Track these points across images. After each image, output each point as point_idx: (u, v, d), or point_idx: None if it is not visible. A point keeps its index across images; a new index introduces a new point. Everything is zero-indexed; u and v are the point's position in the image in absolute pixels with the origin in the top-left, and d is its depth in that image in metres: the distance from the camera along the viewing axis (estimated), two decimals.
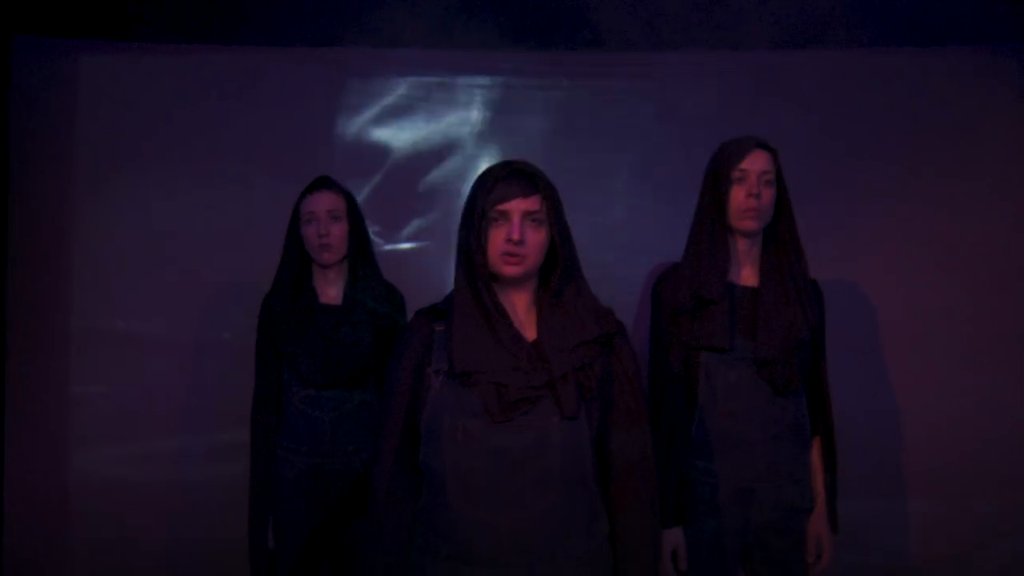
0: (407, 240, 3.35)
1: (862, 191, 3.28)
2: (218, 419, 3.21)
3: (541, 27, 3.32)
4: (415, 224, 3.36)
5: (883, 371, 3.29)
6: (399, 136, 3.36)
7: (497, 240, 1.86)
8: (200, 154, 3.30)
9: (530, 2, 3.33)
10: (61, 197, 3.30)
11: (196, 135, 3.30)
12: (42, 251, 3.30)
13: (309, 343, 2.69)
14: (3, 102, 3.27)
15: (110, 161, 3.30)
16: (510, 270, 1.87)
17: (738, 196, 2.42)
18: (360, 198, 2.82)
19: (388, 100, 3.37)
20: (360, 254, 2.79)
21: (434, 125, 3.37)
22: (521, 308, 1.93)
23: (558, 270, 1.91)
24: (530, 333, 1.91)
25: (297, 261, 2.76)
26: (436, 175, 3.37)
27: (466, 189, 1.93)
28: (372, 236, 2.93)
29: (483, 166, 1.96)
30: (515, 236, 1.84)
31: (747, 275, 2.49)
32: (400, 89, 3.37)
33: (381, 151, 3.36)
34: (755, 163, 2.41)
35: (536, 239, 1.88)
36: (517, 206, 1.86)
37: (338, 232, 2.72)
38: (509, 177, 1.87)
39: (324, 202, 2.71)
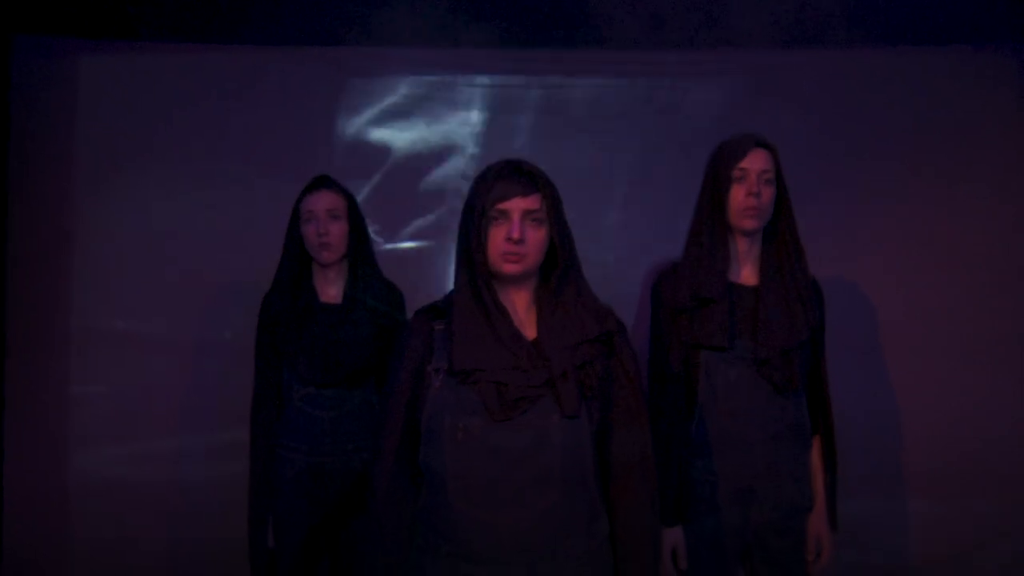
0: (407, 239, 3.35)
1: (862, 191, 3.28)
2: (218, 418, 3.21)
3: (541, 26, 3.32)
4: (415, 223, 3.36)
5: (883, 371, 3.29)
6: (399, 135, 3.37)
7: (497, 239, 1.86)
8: (200, 154, 3.31)
9: (530, 1, 3.33)
10: (61, 197, 3.30)
11: (196, 135, 3.31)
12: (42, 251, 3.30)
13: (309, 342, 2.69)
14: (3, 102, 3.27)
15: (110, 161, 3.30)
16: (510, 268, 1.87)
17: (738, 195, 2.42)
18: (360, 197, 2.82)
19: (388, 99, 3.37)
20: (360, 253, 2.79)
21: (434, 124, 3.38)
22: (521, 307, 1.93)
23: (558, 269, 1.91)
24: (530, 332, 1.91)
25: (297, 260, 2.76)
26: (436, 174, 3.37)
27: (466, 188, 1.93)
28: (372, 235, 2.93)
29: (483, 165, 1.96)
30: (515, 235, 1.84)
31: (747, 274, 2.49)
32: (400, 88, 3.38)
33: (381, 150, 3.36)
34: (755, 162, 2.41)
35: (536, 238, 1.88)
36: (517, 205, 1.86)
37: (338, 231, 2.72)
38: (509, 176, 1.88)
39: (324, 201, 2.71)
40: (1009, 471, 3.26)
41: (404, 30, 3.29)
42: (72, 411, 3.31)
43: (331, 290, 2.78)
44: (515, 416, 1.83)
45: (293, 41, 3.34)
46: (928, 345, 3.27)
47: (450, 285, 1.95)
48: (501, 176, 1.88)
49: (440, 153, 3.37)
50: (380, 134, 3.36)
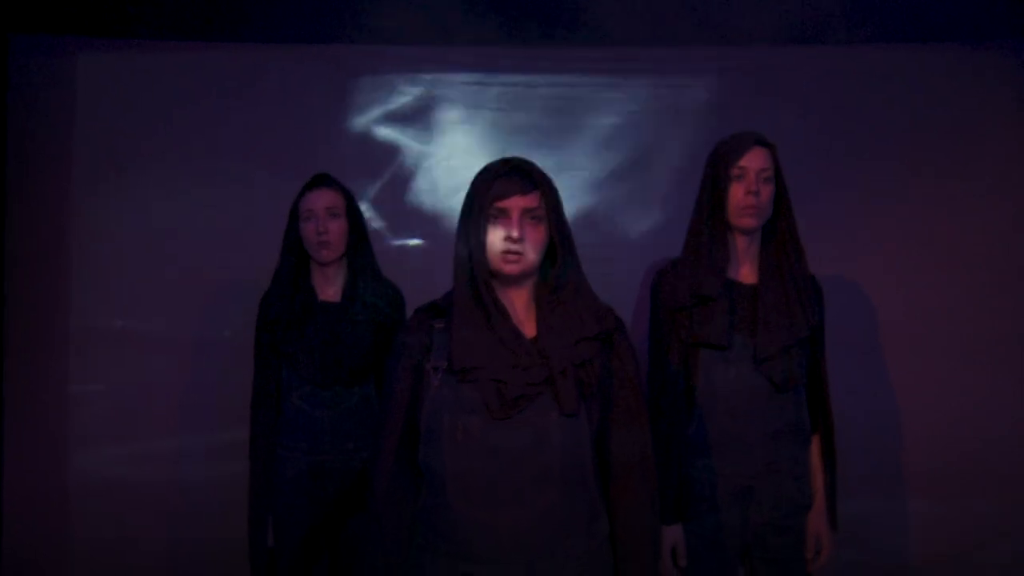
0: (407, 238, 3.34)
1: (861, 189, 3.28)
2: (218, 418, 3.21)
3: (540, 23, 3.32)
4: (415, 221, 3.36)
5: (883, 371, 3.29)
6: (399, 133, 3.36)
7: (496, 238, 1.86)
8: (199, 153, 3.31)
9: None
10: (60, 196, 3.30)
11: (195, 133, 3.31)
12: (41, 250, 3.30)
13: (308, 341, 2.69)
14: (1, 101, 3.27)
15: (109, 160, 3.30)
16: (510, 268, 1.87)
17: (737, 193, 2.41)
18: (360, 195, 2.81)
19: (388, 97, 3.37)
20: (359, 251, 2.78)
21: (433, 122, 3.38)
22: (520, 305, 1.93)
23: (557, 267, 1.91)
24: (529, 330, 1.90)
25: (296, 259, 2.76)
26: (436, 172, 3.37)
27: (466, 186, 1.93)
28: (383, 231, 2.92)
29: (482, 163, 1.95)
30: (514, 234, 1.84)
31: (746, 272, 2.49)
32: (400, 86, 3.38)
33: (381, 148, 3.36)
34: (754, 160, 2.40)
35: (535, 236, 1.88)
36: (516, 203, 1.86)
37: (337, 229, 2.72)
38: (508, 174, 1.88)
39: (323, 199, 2.71)
40: (1009, 471, 3.26)
41: (404, 27, 3.29)
42: (71, 411, 3.31)
43: (330, 289, 2.77)
44: (514, 414, 1.82)
45: (292, 39, 3.34)
46: (928, 345, 3.27)
47: (450, 284, 1.95)
48: (500, 174, 1.88)
49: (440, 150, 3.37)
50: (379, 132, 3.36)
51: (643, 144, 3.34)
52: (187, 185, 3.30)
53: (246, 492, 2.73)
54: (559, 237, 1.90)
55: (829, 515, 2.53)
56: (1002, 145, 3.28)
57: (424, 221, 3.35)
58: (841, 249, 3.18)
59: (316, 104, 3.33)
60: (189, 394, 3.30)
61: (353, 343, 2.71)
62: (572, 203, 2.01)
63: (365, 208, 2.83)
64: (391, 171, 3.35)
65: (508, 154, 1.97)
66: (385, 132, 3.36)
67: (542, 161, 1.96)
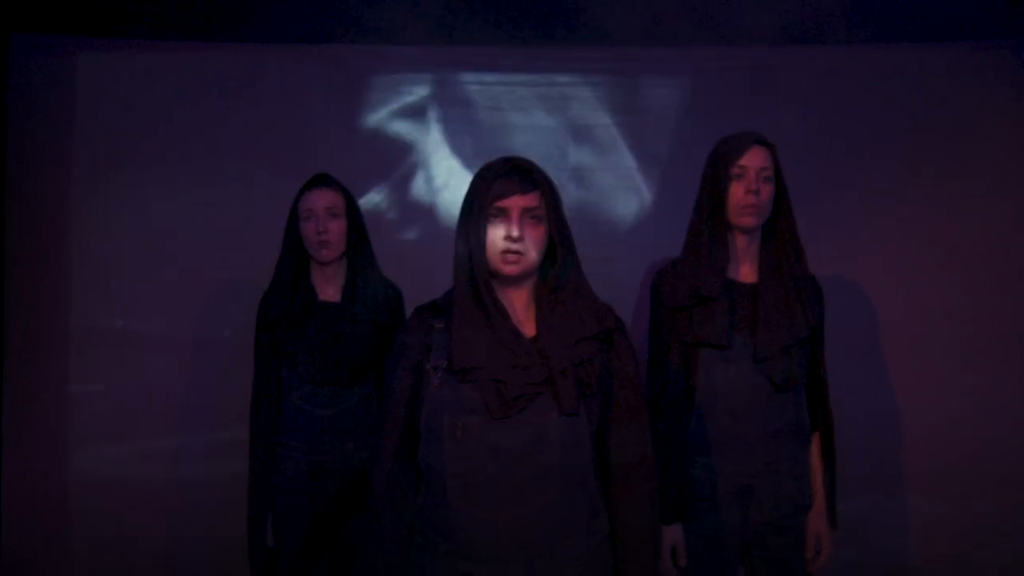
0: (407, 237, 3.34)
1: (861, 189, 3.28)
2: (217, 417, 3.21)
3: (540, 23, 3.32)
4: (414, 221, 3.36)
5: (883, 371, 3.29)
6: (399, 133, 3.36)
7: (496, 237, 1.86)
8: (199, 152, 3.31)
9: None
10: (60, 196, 3.30)
11: (195, 133, 3.31)
12: (41, 250, 3.30)
13: (308, 340, 2.69)
14: (1, 100, 3.26)
15: (109, 160, 3.30)
16: (509, 269, 1.87)
17: (737, 192, 2.41)
18: (359, 195, 2.81)
19: (388, 97, 3.37)
20: (359, 251, 2.78)
21: (433, 121, 3.37)
22: (520, 305, 1.93)
23: (557, 267, 1.91)
24: (529, 330, 1.90)
25: (296, 258, 2.75)
26: (436, 171, 3.37)
27: (465, 185, 1.93)
28: (371, 233, 2.92)
29: (482, 162, 1.95)
30: (514, 233, 1.84)
31: (746, 272, 2.49)
32: (400, 86, 3.38)
33: (381, 148, 3.36)
34: (754, 159, 2.41)
35: (535, 236, 1.88)
36: (516, 203, 1.86)
37: (336, 229, 2.72)
38: (507, 174, 1.88)
39: (323, 199, 2.71)
40: (1009, 471, 3.26)
41: (403, 27, 3.30)
42: (71, 410, 3.31)
43: (330, 288, 2.77)
44: (514, 414, 1.82)
45: (292, 39, 3.34)
46: (928, 345, 3.26)
47: (450, 284, 1.94)
48: (500, 174, 1.88)
49: (439, 149, 3.37)
50: (379, 132, 3.36)
51: (643, 144, 3.33)
52: (187, 185, 3.30)
53: (246, 491, 2.73)
54: (559, 237, 1.90)
55: (829, 515, 2.53)
56: (1002, 145, 3.28)
57: (424, 220, 3.35)
58: (841, 249, 3.19)
59: (316, 104, 3.33)
60: (189, 394, 3.30)
61: (353, 343, 2.71)
62: (572, 203, 2.00)
63: (365, 208, 2.82)
64: (391, 171, 3.35)
65: (508, 154, 1.96)
66: (385, 132, 3.36)
67: (541, 161, 1.96)
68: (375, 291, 2.78)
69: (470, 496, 1.83)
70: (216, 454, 3.22)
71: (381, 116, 3.37)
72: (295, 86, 3.33)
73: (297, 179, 2.79)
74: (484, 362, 1.84)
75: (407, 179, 3.36)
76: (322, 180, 2.76)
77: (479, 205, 1.87)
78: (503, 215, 1.86)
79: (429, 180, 3.37)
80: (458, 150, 3.36)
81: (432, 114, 3.38)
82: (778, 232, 2.48)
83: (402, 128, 3.37)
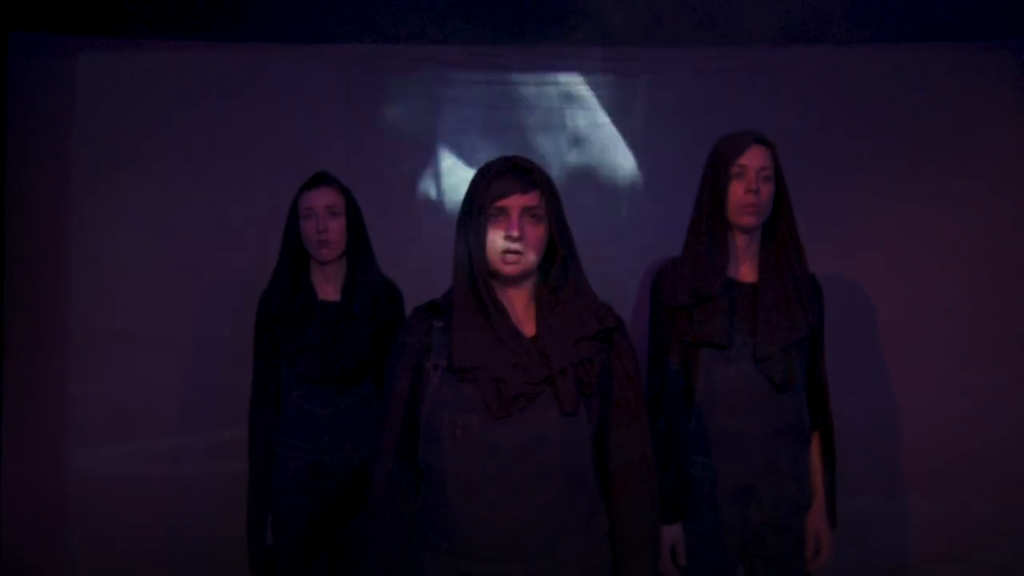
0: (407, 237, 3.34)
1: (861, 189, 3.28)
2: (217, 417, 3.21)
3: (540, 23, 3.32)
4: (414, 220, 3.36)
5: (883, 370, 3.29)
6: (398, 132, 3.36)
7: (496, 237, 1.86)
8: (199, 152, 3.31)
9: None
10: (59, 195, 3.30)
11: (195, 133, 3.31)
12: (40, 250, 3.30)
13: (307, 340, 2.69)
14: (0, 99, 3.26)
15: (108, 159, 3.30)
16: (509, 269, 1.87)
17: (737, 192, 2.41)
18: (359, 194, 2.81)
19: (388, 96, 3.37)
20: (358, 250, 2.78)
21: (433, 121, 3.37)
22: (520, 304, 1.93)
23: (557, 266, 1.91)
24: (529, 329, 1.90)
25: (295, 258, 2.75)
26: (436, 171, 3.37)
27: (465, 185, 1.93)
28: (371, 232, 2.92)
29: (481, 162, 1.95)
30: (514, 232, 1.84)
31: (746, 271, 2.49)
32: (400, 85, 3.38)
33: (380, 148, 3.35)
34: (754, 159, 2.40)
35: (535, 235, 1.88)
36: (516, 202, 1.86)
37: (336, 228, 2.72)
38: (507, 173, 1.88)
39: (322, 198, 2.71)
40: (1009, 471, 3.26)
41: (403, 26, 3.30)
42: (71, 410, 3.30)
43: (329, 287, 2.77)
44: (514, 413, 1.82)
45: (292, 39, 3.34)
46: (928, 345, 3.26)
47: (449, 283, 1.94)
48: (500, 173, 1.88)
49: (439, 148, 3.37)
50: (379, 132, 3.36)
51: (643, 143, 3.33)
52: (186, 184, 3.30)
53: (245, 491, 2.73)
54: (559, 236, 1.90)
55: (829, 514, 2.52)
56: (1003, 145, 3.28)
57: (424, 220, 3.35)
58: (841, 248, 3.19)
59: (316, 104, 3.33)
60: (189, 394, 3.30)
61: (352, 342, 2.71)
62: (571, 202, 2.00)
63: (364, 207, 2.82)
64: (390, 170, 3.35)
65: (508, 153, 1.96)
66: (385, 131, 3.36)
67: (541, 160, 1.96)
68: (375, 290, 2.77)
69: (470, 495, 1.82)
70: (216, 454, 3.22)
71: (381, 115, 3.36)
72: (295, 86, 3.32)
73: (297, 178, 2.79)
74: (484, 361, 1.84)
75: (407, 178, 3.36)
76: (322, 179, 2.76)
77: (479, 204, 1.86)
78: (503, 214, 1.86)
79: (429, 179, 3.37)
80: (458, 149, 3.36)
81: (432, 113, 3.37)
82: (778, 231, 2.47)
83: (402, 127, 3.37)
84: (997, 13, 3.26)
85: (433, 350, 1.90)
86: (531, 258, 1.88)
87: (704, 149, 2.52)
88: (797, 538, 2.47)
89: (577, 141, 3.34)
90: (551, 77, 3.37)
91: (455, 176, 3.32)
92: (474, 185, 1.90)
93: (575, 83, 3.37)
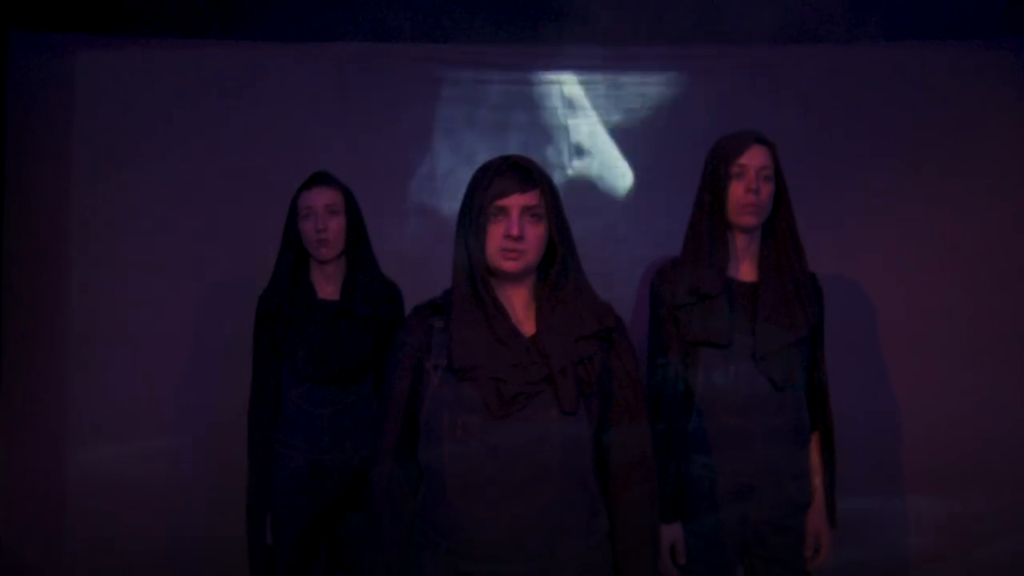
0: (406, 236, 3.34)
1: (861, 188, 3.28)
2: (216, 416, 3.20)
3: (540, 22, 3.32)
4: (414, 219, 3.35)
5: (883, 370, 3.28)
6: (398, 131, 3.36)
7: (496, 236, 1.86)
8: (198, 151, 3.30)
9: None
10: (58, 194, 3.29)
11: (195, 132, 3.30)
12: (40, 249, 3.30)
13: (307, 339, 2.69)
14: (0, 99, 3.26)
15: (108, 158, 3.30)
16: (509, 265, 1.86)
17: (737, 191, 2.41)
18: (358, 193, 2.81)
19: (387, 95, 3.36)
20: (358, 249, 2.78)
21: (433, 120, 3.37)
22: (520, 303, 1.93)
23: (557, 265, 1.91)
24: (529, 328, 1.90)
25: (295, 256, 2.75)
26: (435, 170, 3.36)
27: (465, 184, 1.93)
28: (370, 231, 2.92)
29: (481, 161, 1.95)
30: (514, 232, 1.84)
31: (746, 270, 2.49)
32: (399, 84, 3.37)
33: (380, 146, 3.35)
34: (754, 158, 2.40)
35: (535, 234, 1.88)
36: (516, 201, 1.86)
37: (336, 227, 2.71)
38: (507, 172, 1.88)
39: (322, 197, 2.70)
40: (1009, 471, 3.26)
41: (403, 25, 3.30)
42: (69, 409, 3.30)
43: (329, 287, 2.77)
44: (514, 413, 1.82)
45: (292, 38, 3.34)
46: (928, 345, 3.26)
47: (448, 282, 1.94)
48: (499, 172, 1.88)
49: (439, 149, 3.36)
50: (379, 130, 3.36)
51: (642, 142, 3.33)
52: (186, 184, 3.30)
53: (244, 490, 2.73)
54: (559, 235, 1.90)
55: (828, 514, 2.52)
56: (1003, 144, 3.28)
57: (423, 219, 3.34)
58: (841, 248, 3.19)
59: (316, 103, 3.33)
60: (188, 393, 3.30)
61: (352, 341, 2.70)
62: (571, 202, 2.00)
63: (364, 206, 2.82)
64: (390, 169, 3.35)
65: (507, 152, 1.96)
66: (384, 130, 3.36)
67: (540, 160, 1.96)
68: (374, 290, 2.77)
69: (469, 495, 1.82)
70: (215, 453, 3.21)
71: (381, 115, 3.36)
72: (295, 85, 3.32)
73: (296, 178, 2.78)
74: (484, 361, 1.84)
75: (407, 178, 3.35)
76: (321, 178, 2.75)
77: (479, 204, 1.87)
78: (503, 214, 1.86)
79: (428, 179, 3.36)
80: (458, 149, 3.36)
81: (431, 112, 3.37)
82: (778, 231, 2.47)
83: (402, 127, 3.36)
84: (998, 12, 3.26)
85: (433, 350, 1.90)
86: (531, 256, 1.88)
87: (704, 148, 2.52)
88: (796, 537, 2.47)
89: (576, 141, 3.33)
90: (550, 76, 3.37)
91: (454, 175, 3.31)
92: (473, 184, 1.90)
93: (574, 82, 3.36)
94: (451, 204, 3.18)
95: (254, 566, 2.74)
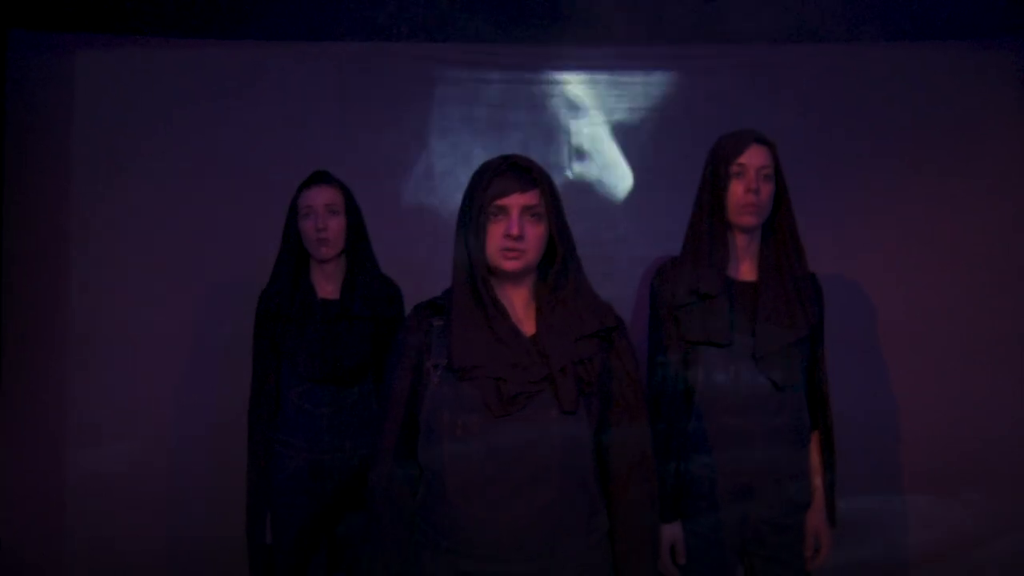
0: (406, 235, 3.33)
1: (861, 188, 3.28)
2: (216, 416, 3.20)
3: (540, 21, 3.33)
4: (414, 219, 3.35)
5: (883, 370, 3.28)
6: (398, 131, 3.36)
7: (496, 235, 1.87)
8: (198, 150, 3.30)
9: None
10: (58, 194, 3.29)
11: (195, 131, 3.30)
12: (39, 248, 3.30)
13: (307, 338, 2.69)
14: None
15: (108, 158, 3.29)
16: (510, 265, 1.87)
17: (736, 191, 2.41)
18: (358, 193, 2.81)
19: (387, 95, 3.36)
20: (358, 249, 2.78)
21: (433, 119, 3.37)
22: (520, 303, 1.93)
23: (557, 265, 1.91)
24: (529, 328, 1.90)
25: (295, 256, 2.75)
26: (435, 169, 3.36)
27: (465, 183, 1.93)
28: (370, 230, 2.92)
29: (481, 160, 1.95)
30: (514, 231, 1.84)
31: (745, 270, 2.48)
32: (399, 83, 3.37)
33: (380, 146, 3.35)
34: (754, 158, 2.40)
35: (535, 233, 1.88)
36: (516, 201, 1.86)
37: (336, 226, 2.71)
38: (507, 172, 1.88)
39: (322, 196, 2.70)
40: (1009, 471, 3.26)
41: (403, 25, 3.30)
42: (69, 409, 3.30)
43: (329, 286, 2.77)
44: (514, 412, 1.82)
45: (292, 37, 3.34)
46: (928, 345, 3.26)
47: (448, 282, 1.94)
48: (499, 172, 1.88)
49: (439, 147, 3.36)
50: (378, 130, 3.35)
51: (643, 142, 3.33)
52: (186, 183, 3.29)
53: (244, 490, 2.73)
54: (559, 235, 1.90)
55: (828, 513, 2.52)
56: (1003, 144, 3.28)
57: (423, 218, 3.34)
58: (841, 247, 3.19)
59: (316, 102, 3.33)
60: (188, 393, 3.30)
61: (352, 341, 2.70)
62: (571, 201, 2.00)
63: (364, 206, 2.82)
64: (390, 168, 3.35)
65: (507, 152, 1.96)
66: (384, 129, 3.35)
67: (540, 159, 1.96)
68: (374, 289, 2.77)
69: (469, 494, 1.83)
70: (214, 453, 3.21)
71: (381, 114, 3.36)
72: (295, 84, 3.32)
73: (296, 177, 2.78)
74: (484, 360, 1.84)
75: (406, 177, 3.35)
76: (321, 177, 2.75)
77: (479, 203, 1.87)
78: (503, 213, 1.86)
79: (428, 178, 3.36)
80: (458, 149, 3.36)
81: (432, 112, 3.37)
82: (778, 231, 2.47)
83: (402, 126, 3.36)
84: (998, 12, 3.27)
85: (433, 349, 1.90)
86: (531, 256, 1.88)
87: (704, 148, 2.52)
88: (796, 537, 2.47)
89: (576, 142, 3.33)
90: (551, 76, 3.36)
91: (454, 175, 3.31)
92: (473, 184, 1.91)
93: (575, 82, 3.36)
94: (451, 204, 3.19)
95: (254, 566, 2.74)
